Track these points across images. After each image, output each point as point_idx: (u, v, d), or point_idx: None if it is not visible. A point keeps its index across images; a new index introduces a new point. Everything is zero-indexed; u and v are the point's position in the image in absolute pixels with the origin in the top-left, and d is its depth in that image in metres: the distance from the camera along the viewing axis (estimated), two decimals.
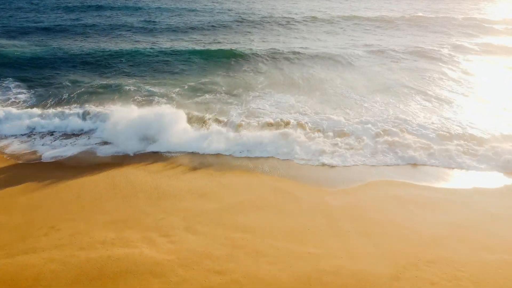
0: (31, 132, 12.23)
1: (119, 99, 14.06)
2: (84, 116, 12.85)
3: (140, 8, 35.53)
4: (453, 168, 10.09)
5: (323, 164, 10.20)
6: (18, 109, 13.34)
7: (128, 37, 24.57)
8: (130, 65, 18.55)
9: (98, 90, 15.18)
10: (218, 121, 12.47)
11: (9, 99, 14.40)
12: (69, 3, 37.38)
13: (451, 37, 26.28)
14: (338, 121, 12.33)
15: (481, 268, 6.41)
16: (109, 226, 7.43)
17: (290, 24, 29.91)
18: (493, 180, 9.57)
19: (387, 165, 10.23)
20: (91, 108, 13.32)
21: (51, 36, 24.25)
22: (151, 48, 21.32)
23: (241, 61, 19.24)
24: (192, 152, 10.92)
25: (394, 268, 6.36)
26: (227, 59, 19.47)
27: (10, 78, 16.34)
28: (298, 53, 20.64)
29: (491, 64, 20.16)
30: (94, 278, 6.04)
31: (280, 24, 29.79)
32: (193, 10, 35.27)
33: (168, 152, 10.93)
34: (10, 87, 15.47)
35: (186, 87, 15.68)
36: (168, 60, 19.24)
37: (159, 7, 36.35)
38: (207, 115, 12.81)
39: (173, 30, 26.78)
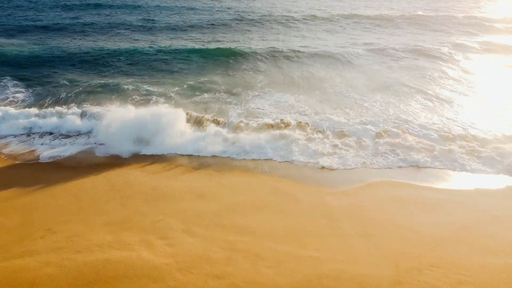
0: (30, 131, 12.12)
1: (117, 99, 13.95)
2: (82, 116, 12.72)
3: (139, 7, 35.32)
4: (456, 170, 9.99)
5: (323, 167, 10.05)
6: (16, 109, 13.25)
7: (126, 35, 24.40)
8: (129, 64, 18.42)
9: (96, 89, 15.07)
10: (217, 121, 12.34)
11: (7, 98, 14.29)
12: (68, 1, 37.13)
13: (451, 36, 26.14)
14: (338, 122, 12.22)
15: (485, 272, 6.31)
16: (106, 228, 7.34)
17: (290, 22, 29.74)
18: (495, 181, 9.48)
19: (390, 168, 10.11)
20: (89, 107, 13.22)
21: (49, 35, 24.09)
22: (149, 46, 21.18)
23: (241, 60, 19.11)
24: (190, 155, 10.76)
25: (396, 272, 6.27)
26: (226, 57, 19.33)
27: (8, 77, 16.23)
28: (298, 51, 20.50)
29: (491, 62, 20.06)
30: (90, 282, 5.94)
31: (279, 22, 29.62)
32: (192, 9, 35.08)
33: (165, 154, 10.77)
34: (8, 86, 15.38)
35: (185, 86, 15.56)
36: (167, 59, 19.10)
37: (158, 6, 36.15)
38: (205, 115, 12.68)
39: (172, 28, 26.60)
